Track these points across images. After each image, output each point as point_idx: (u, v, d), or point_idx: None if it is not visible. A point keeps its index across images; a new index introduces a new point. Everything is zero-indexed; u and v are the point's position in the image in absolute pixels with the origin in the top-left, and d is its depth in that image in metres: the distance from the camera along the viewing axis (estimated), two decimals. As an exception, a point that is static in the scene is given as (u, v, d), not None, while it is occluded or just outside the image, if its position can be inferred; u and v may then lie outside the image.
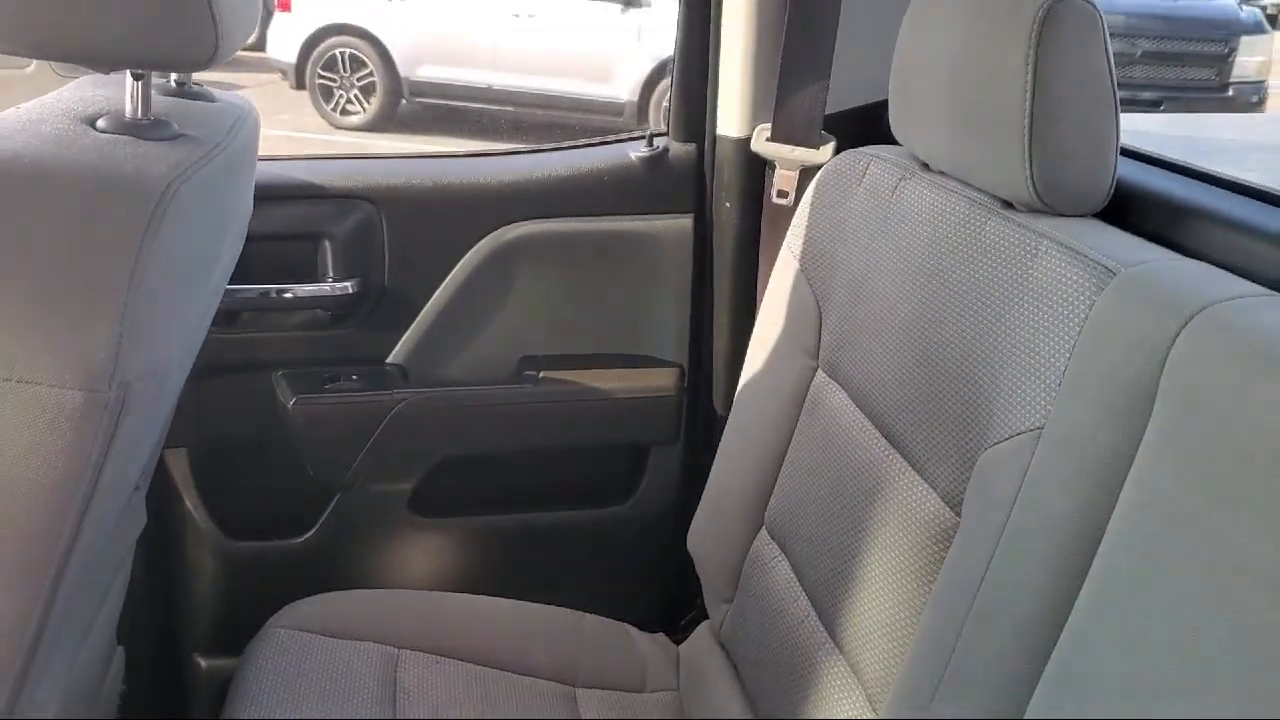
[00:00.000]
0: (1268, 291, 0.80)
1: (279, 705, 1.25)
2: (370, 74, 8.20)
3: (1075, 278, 0.89)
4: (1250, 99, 8.25)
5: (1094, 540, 0.79)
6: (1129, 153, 1.16)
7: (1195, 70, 8.12)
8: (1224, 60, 8.17)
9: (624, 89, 7.55)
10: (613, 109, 7.55)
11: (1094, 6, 0.97)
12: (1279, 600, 0.63)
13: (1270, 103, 8.32)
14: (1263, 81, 8.25)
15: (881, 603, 1.08)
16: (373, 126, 8.08)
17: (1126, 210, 1.04)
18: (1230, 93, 8.15)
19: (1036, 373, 0.91)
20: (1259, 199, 0.99)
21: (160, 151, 0.86)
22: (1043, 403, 0.89)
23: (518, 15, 7.93)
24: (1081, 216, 1.01)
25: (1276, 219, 0.93)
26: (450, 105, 8.07)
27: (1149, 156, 1.15)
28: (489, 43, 8.00)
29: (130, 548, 1.33)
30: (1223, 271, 0.86)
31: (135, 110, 0.90)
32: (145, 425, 0.95)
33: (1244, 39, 8.22)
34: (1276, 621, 0.62)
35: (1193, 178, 1.08)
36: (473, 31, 8.05)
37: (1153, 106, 7.84)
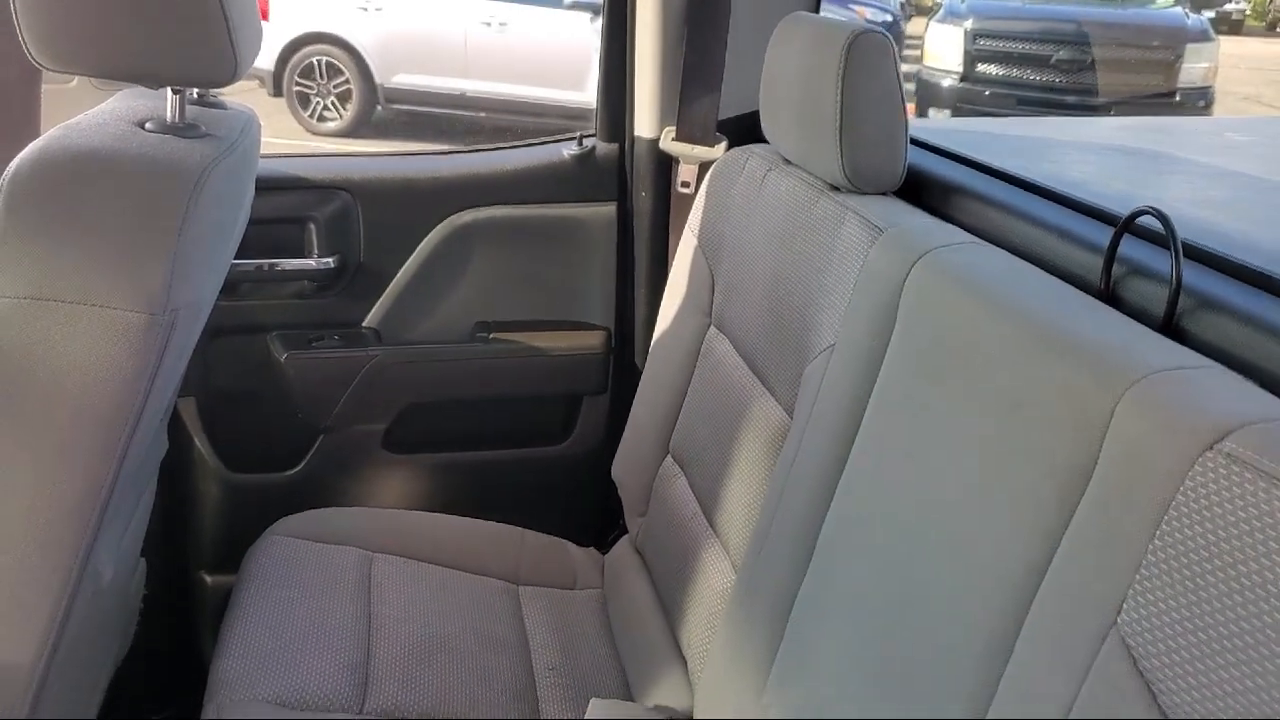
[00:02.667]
0: (977, 240, 1.13)
1: (274, 591, 1.55)
2: (346, 81, 8.31)
3: (861, 236, 1.22)
4: (1197, 104, 8.36)
5: (859, 416, 1.12)
6: (928, 146, 1.50)
7: (1143, 77, 8.30)
8: (1170, 67, 8.31)
9: (594, 95, 7.71)
10: (584, 114, 7.72)
11: (887, 37, 1.30)
12: (974, 448, 0.94)
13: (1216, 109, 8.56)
14: (1209, 87, 8.40)
15: (743, 492, 1.41)
16: (349, 132, 8.16)
17: (919, 189, 1.38)
18: (1178, 98, 8.24)
19: (834, 307, 1.24)
20: (1007, 180, 1.33)
21: (194, 146, 1.17)
22: (836, 327, 1.22)
23: (489, 23, 8.09)
24: (882, 194, 1.35)
25: (1006, 191, 1.26)
26: (424, 111, 8.28)
27: (937, 148, 1.48)
28: (462, 50, 8.13)
29: (155, 470, 1.63)
30: (951, 226, 1.20)
31: (174, 116, 1.21)
32: (181, 350, 1.26)
33: (1190, 46, 8.23)
34: (977, 463, 0.93)
35: (968, 165, 1.42)
36: (446, 39, 8.16)
37: (1103, 111, 8.09)
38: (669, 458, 1.69)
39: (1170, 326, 0.91)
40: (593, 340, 1.95)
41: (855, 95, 1.28)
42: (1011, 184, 1.33)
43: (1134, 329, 0.88)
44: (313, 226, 1.82)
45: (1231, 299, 0.89)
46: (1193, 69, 8.32)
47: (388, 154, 1.99)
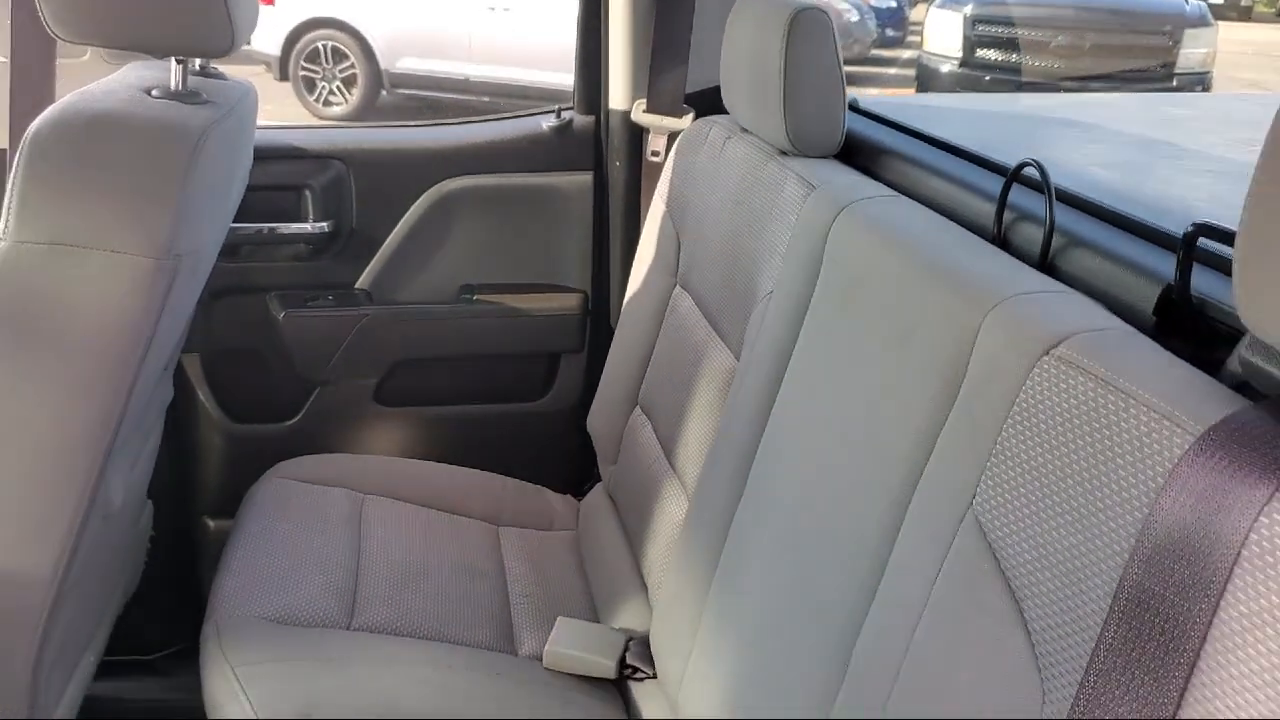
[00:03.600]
0: (894, 194, 1.26)
1: (271, 525, 1.68)
2: (351, 66, 8.42)
3: (798, 194, 1.35)
4: (1195, 88, 8.42)
5: (789, 353, 1.25)
6: (865, 113, 1.62)
7: (1141, 61, 8.36)
8: (1168, 52, 8.36)
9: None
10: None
11: (825, 14, 1.42)
12: (875, 370, 1.06)
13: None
14: (1207, 72, 8.46)
15: (698, 432, 1.54)
16: (354, 116, 8.23)
17: (855, 152, 1.50)
18: (1175, 83, 8.33)
19: (774, 258, 1.37)
20: (927, 141, 1.45)
21: (196, 111, 1.30)
22: (776, 275, 1.34)
23: (493, 9, 8.18)
24: (823, 158, 1.47)
25: (924, 151, 1.39)
26: (429, 96, 8.39)
27: (873, 114, 1.61)
28: (466, 35, 8.22)
29: (161, 415, 1.76)
30: (875, 183, 1.32)
31: (178, 84, 1.34)
32: (184, 297, 1.39)
33: (1188, 31, 8.27)
34: (877, 382, 1.05)
35: (897, 129, 1.54)
36: (450, 24, 8.22)
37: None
38: (637, 409, 1.82)
39: (1045, 263, 1.03)
40: (570, 302, 2.08)
41: (797, 67, 1.40)
42: (930, 144, 1.45)
43: (1010, 264, 1.00)
44: (308, 193, 1.95)
45: (1094, 236, 1.01)
46: (1191, 54, 8.35)
47: (379, 125, 2.10)
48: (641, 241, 1.90)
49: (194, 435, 2.01)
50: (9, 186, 1.19)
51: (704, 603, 1.30)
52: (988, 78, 8.21)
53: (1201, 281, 0.86)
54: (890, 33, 11.98)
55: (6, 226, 1.18)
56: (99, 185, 1.19)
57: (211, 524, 2.06)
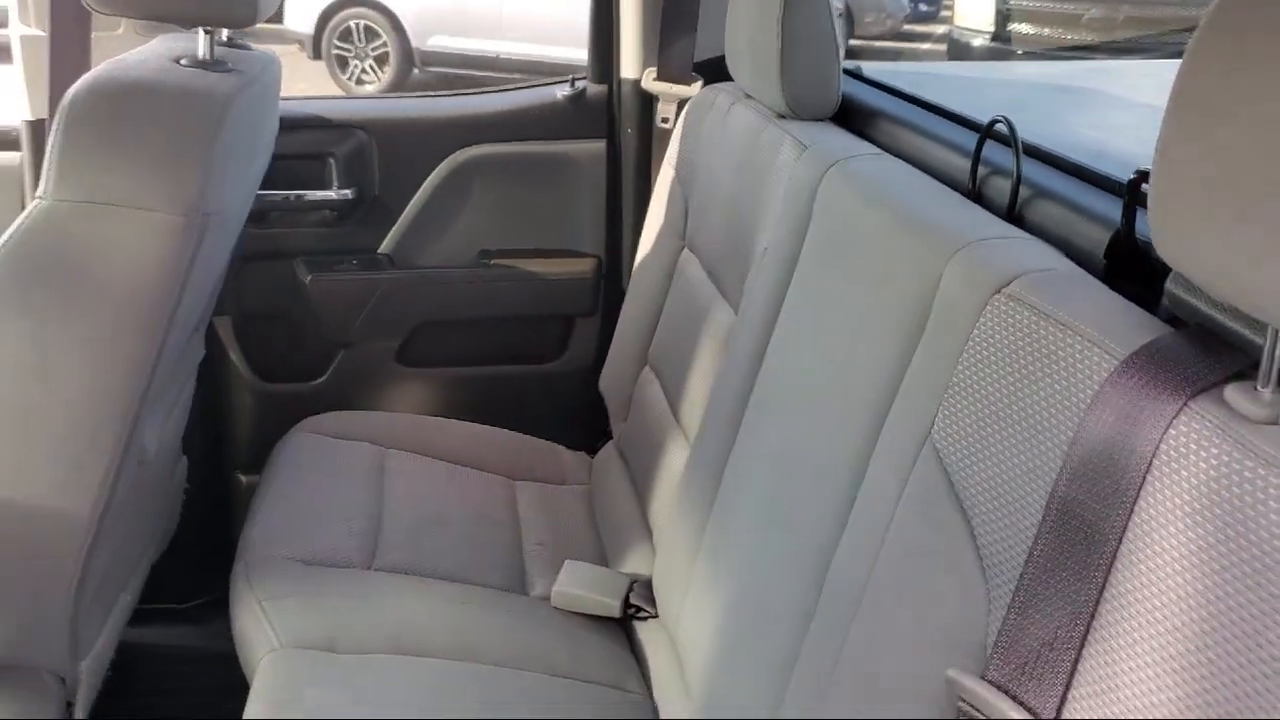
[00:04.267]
0: (880, 153, 1.32)
1: (298, 475, 1.77)
2: (384, 44, 8.53)
3: (792, 154, 1.41)
4: None
5: (779, 304, 1.31)
6: (859, 78, 1.68)
7: (1176, 35, 8.33)
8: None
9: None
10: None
11: None
12: (854, 316, 1.12)
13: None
14: None
15: (699, 386, 1.60)
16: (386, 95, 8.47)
17: (850, 115, 1.56)
18: None
19: (770, 217, 1.43)
20: (915, 103, 1.51)
21: (222, 79, 1.38)
22: (769, 232, 1.41)
23: (523, -15, 8.26)
24: (818, 121, 1.53)
25: (911, 112, 1.45)
26: (459, 74, 8.48)
27: (867, 79, 1.67)
28: (496, 12, 8.30)
29: (193, 372, 1.85)
30: (864, 143, 1.38)
31: (205, 53, 1.42)
32: (213, 256, 1.47)
33: None
34: (856, 326, 1.11)
35: (889, 92, 1.60)
36: (480, 2, 8.38)
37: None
38: (647, 367, 1.90)
39: (1013, 213, 1.09)
40: (584, 266, 2.15)
41: (794, 34, 1.46)
42: (919, 106, 1.51)
43: (978, 214, 1.06)
44: (333, 162, 2.03)
45: (1057, 187, 1.07)
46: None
47: (399, 95, 2.18)
48: (651, 206, 1.97)
49: (226, 394, 2.10)
50: (48, 149, 1.28)
51: (699, 542, 1.37)
52: (1020, 51, 8.19)
53: (1145, 224, 0.91)
54: (924, 7, 11.92)
55: (46, 186, 1.26)
56: (131, 147, 1.27)
57: (244, 479, 2.15)
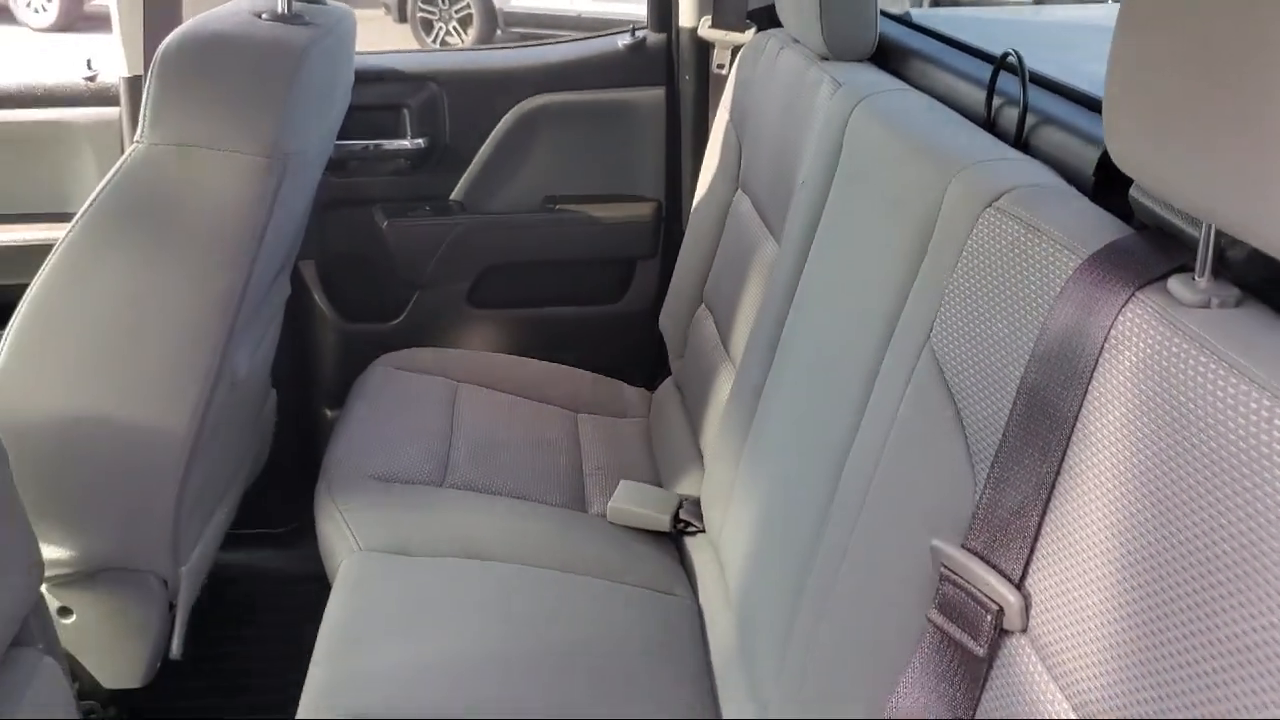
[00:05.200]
0: (906, 88, 1.38)
1: (376, 404, 1.90)
2: (467, 6, 8.67)
3: (827, 93, 1.49)
4: None
5: (812, 234, 1.39)
6: (895, 18, 1.74)
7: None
8: None
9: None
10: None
11: None
12: (870, 238, 1.20)
13: None
14: None
15: (746, 318, 1.69)
16: None
17: (888, 55, 1.63)
18: None
19: (805, 153, 1.51)
20: (951, 44, 1.57)
21: (299, 31, 1.50)
22: (806, 166, 1.49)
23: (606, -56, 8.30)
24: (858, 61, 1.60)
25: (949, 53, 1.51)
26: (542, 33, 8.57)
27: (904, 20, 1.73)
28: (578, -29, 8.42)
29: (280, 309, 1.99)
30: (894, 79, 1.45)
31: (283, 8, 1.54)
32: (294, 196, 1.60)
33: None
34: (872, 248, 1.19)
35: (923, 32, 1.66)
36: None
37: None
38: (702, 306, 1.99)
39: (1020, 140, 1.16)
40: (644, 210, 2.24)
41: (831, -25, 1.53)
42: (949, 45, 1.57)
43: (984, 139, 1.13)
44: (406, 112, 2.15)
45: (1061, 113, 1.14)
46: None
47: (468, 49, 2.29)
48: (708, 150, 2.05)
49: (311, 333, 2.24)
50: (144, 99, 1.41)
51: (740, 459, 1.47)
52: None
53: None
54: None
55: (142, 132, 1.40)
56: (217, 94, 1.40)
57: (329, 413, 2.30)
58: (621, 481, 1.73)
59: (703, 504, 1.63)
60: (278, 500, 2.23)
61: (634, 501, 1.68)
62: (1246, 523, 0.62)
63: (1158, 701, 0.66)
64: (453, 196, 2.21)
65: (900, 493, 0.99)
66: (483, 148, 2.19)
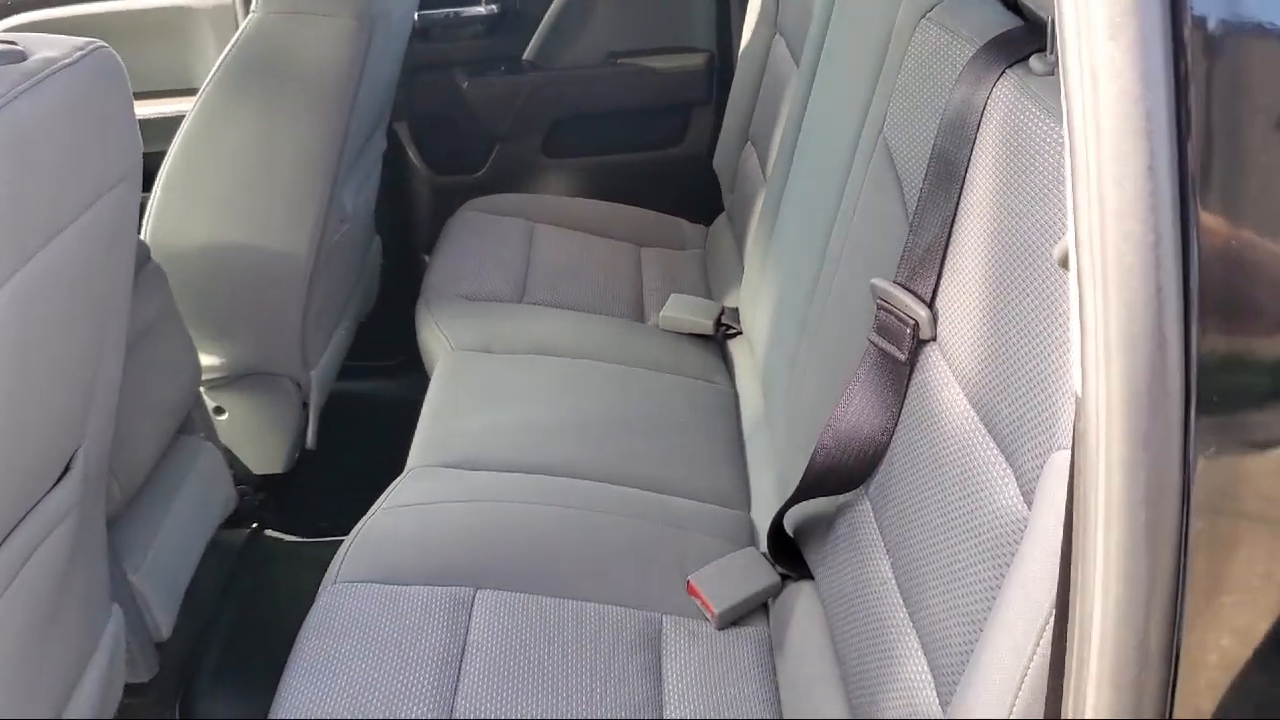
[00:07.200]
0: None
1: (465, 243, 2.20)
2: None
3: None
4: None
5: (818, 56, 1.62)
6: None
7: None
8: None
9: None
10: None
11: None
12: (854, 68, 1.43)
13: None
14: None
15: (778, 143, 1.93)
16: None
17: None
18: None
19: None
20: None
21: None
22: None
23: None
24: None
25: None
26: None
27: None
28: None
29: (378, 160, 2.28)
30: None
31: None
32: (383, 56, 1.87)
33: None
34: (855, 78, 1.42)
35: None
36: None
37: None
38: (748, 143, 2.23)
39: None
40: (698, 60, 2.47)
41: None
42: None
43: None
44: None
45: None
46: None
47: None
48: (751, 2, 2.26)
49: (407, 187, 2.54)
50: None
51: (766, 260, 1.73)
52: None
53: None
54: None
55: (257, 4, 1.68)
56: None
57: (425, 258, 2.60)
58: (671, 295, 2.01)
59: (740, 308, 1.90)
60: (386, 336, 2.56)
61: (683, 310, 1.96)
62: (1059, 226, 0.85)
63: (1013, 368, 0.91)
64: (525, 56, 2.46)
65: (861, 251, 1.25)
66: (549, 10, 2.43)
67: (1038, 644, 0.70)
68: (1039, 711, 0.69)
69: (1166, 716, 0.49)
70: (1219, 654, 0.50)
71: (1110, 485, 0.47)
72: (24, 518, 1.07)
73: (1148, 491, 0.46)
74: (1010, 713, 0.72)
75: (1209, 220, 0.48)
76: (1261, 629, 0.50)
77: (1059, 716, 0.54)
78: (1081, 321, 0.49)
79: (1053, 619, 0.66)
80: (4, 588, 1.03)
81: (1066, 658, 0.54)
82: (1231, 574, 0.49)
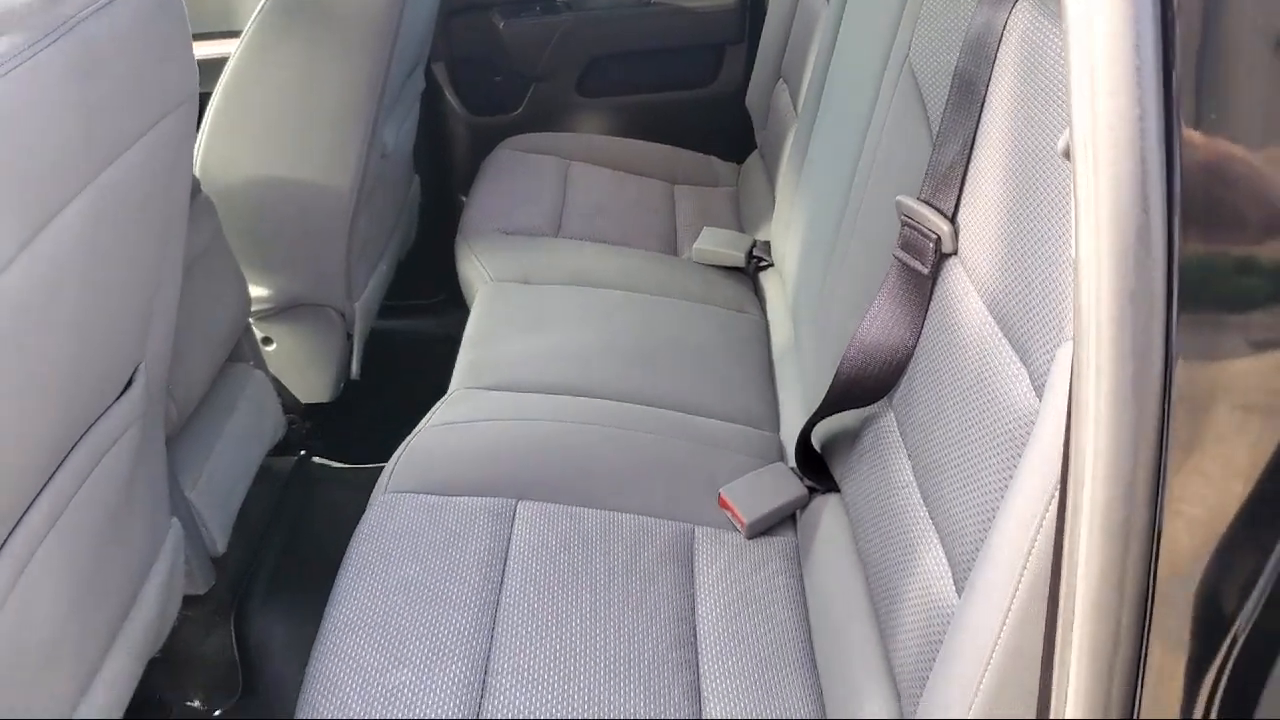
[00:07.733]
0: None
1: (502, 178, 2.25)
2: None
3: None
4: None
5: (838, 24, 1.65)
6: None
7: None
8: None
9: None
10: None
11: None
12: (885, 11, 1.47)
13: None
14: None
15: (809, 78, 1.96)
16: None
17: None
18: None
19: None
20: None
21: None
22: None
23: None
24: None
25: None
26: None
27: None
28: None
29: (417, 98, 2.33)
30: None
31: None
32: (416, 12, 1.91)
33: None
34: (886, 20, 1.46)
35: None
36: None
37: None
38: (780, 80, 2.26)
39: None
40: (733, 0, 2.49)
41: None
42: None
43: None
44: None
45: None
46: None
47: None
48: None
49: (445, 126, 2.59)
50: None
51: (796, 191, 1.77)
52: None
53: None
54: None
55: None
56: None
57: (463, 198, 2.66)
58: (705, 228, 2.05)
59: (772, 240, 1.94)
60: (425, 276, 2.62)
61: (715, 242, 2.01)
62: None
63: (1027, 269, 0.95)
64: (560, -2, 2.50)
65: (888, 174, 1.29)
66: (584, -50, 2.46)
67: (1043, 518, 0.75)
68: (1044, 585, 0.74)
69: (1153, 554, 0.54)
70: (1201, 505, 0.55)
71: (1100, 340, 0.51)
72: (91, 425, 1.14)
73: (1134, 344, 0.51)
74: (1018, 587, 0.78)
75: (1190, 102, 0.52)
76: (1239, 483, 0.55)
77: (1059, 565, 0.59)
78: (1076, 196, 0.53)
79: (1057, 494, 0.70)
80: (75, 490, 1.11)
81: (1066, 514, 0.59)
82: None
